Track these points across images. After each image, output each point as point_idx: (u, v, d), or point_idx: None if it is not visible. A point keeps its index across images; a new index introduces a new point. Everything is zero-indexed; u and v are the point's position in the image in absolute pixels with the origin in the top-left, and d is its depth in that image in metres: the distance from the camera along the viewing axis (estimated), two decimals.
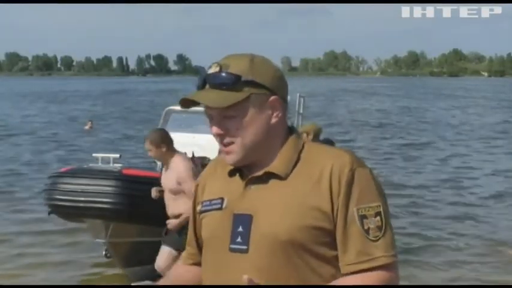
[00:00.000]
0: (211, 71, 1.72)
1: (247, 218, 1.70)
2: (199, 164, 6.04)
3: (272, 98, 1.72)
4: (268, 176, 1.72)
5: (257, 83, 1.70)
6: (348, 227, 1.67)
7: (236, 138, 1.71)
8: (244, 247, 1.69)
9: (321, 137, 7.79)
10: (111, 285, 7.40)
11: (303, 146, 1.77)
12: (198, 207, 1.85)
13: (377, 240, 1.67)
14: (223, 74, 1.69)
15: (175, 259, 5.68)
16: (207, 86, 1.72)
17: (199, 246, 1.90)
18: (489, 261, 8.08)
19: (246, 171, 1.76)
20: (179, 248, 5.55)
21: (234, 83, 1.68)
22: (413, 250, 8.48)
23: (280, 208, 1.68)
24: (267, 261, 1.67)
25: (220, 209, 1.76)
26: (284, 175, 1.71)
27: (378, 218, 1.68)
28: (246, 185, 1.74)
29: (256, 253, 1.68)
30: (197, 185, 1.92)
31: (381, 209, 1.69)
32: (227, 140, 1.72)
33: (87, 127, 24.95)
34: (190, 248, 1.95)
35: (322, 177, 1.68)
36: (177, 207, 5.61)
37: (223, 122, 1.71)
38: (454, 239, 9.13)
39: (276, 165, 1.73)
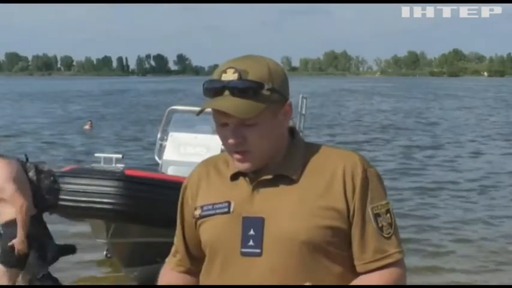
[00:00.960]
0: (228, 77, 1.64)
1: (259, 221, 1.67)
2: (32, 169, 5.79)
3: (287, 104, 1.70)
4: (278, 179, 1.70)
5: (276, 90, 1.66)
6: (365, 225, 1.68)
7: (253, 146, 1.67)
8: (258, 250, 1.66)
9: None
10: (111, 285, 7.41)
11: (308, 147, 1.76)
12: (197, 212, 1.77)
13: (390, 237, 1.70)
14: (246, 82, 1.63)
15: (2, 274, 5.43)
16: (226, 93, 1.64)
17: (189, 253, 1.86)
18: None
19: (252, 174, 1.72)
20: (3, 261, 5.39)
21: (257, 91, 1.63)
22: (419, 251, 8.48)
23: (293, 210, 1.66)
24: (281, 264, 1.65)
25: (227, 212, 1.71)
26: (295, 177, 1.70)
27: (388, 215, 1.72)
28: (254, 188, 1.70)
29: (270, 256, 1.66)
30: (185, 188, 1.84)
31: (389, 206, 1.73)
32: (243, 148, 1.68)
33: (86, 127, 24.91)
34: (179, 255, 1.88)
35: (335, 178, 1.68)
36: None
37: (241, 130, 1.66)
38: (462, 240, 9.16)
39: (285, 168, 1.71)
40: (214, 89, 1.65)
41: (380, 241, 1.69)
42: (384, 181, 1.76)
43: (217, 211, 1.72)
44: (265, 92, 1.64)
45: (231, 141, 1.67)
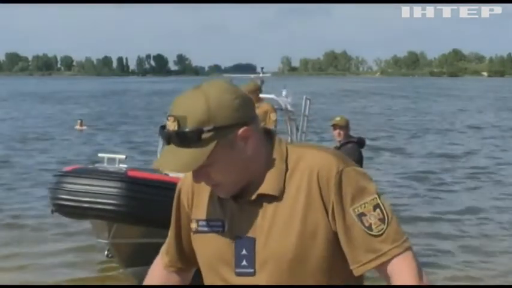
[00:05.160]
0: (170, 127, 1.63)
1: (250, 241, 1.68)
2: None
3: (240, 131, 1.64)
4: (262, 198, 1.68)
5: (220, 127, 1.61)
6: (349, 229, 1.64)
7: (219, 180, 1.67)
8: (251, 270, 1.68)
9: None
10: (112, 285, 7.42)
11: (287, 152, 1.71)
12: (193, 225, 1.79)
13: (382, 233, 1.63)
14: (183, 134, 1.61)
15: None
16: (171, 145, 1.64)
17: (181, 254, 1.88)
18: None
19: (238, 193, 1.71)
20: None
21: (197, 138, 1.60)
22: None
23: (280, 228, 1.66)
24: (275, 282, 1.67)
25: (221, 232, 1.72)
26: (278, 193, 1.67)
27: (378, 210, 1.64)
28: (242, 207, 1.70)
29: (263, 275, 1.67)
30: (179, 192, 1.85)
31: (379, 201, 1.65)
32: (212, 183, 1.69)
33: (77, 127, 24.85)
34: (170, 255, 1.90)
35: (311, 186, 1.65)
36: None
37: (201, 173, 1.66)
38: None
39: (267, 186, 1.68)
40: (163, 140, 1.67)
41: (370, 241, 1.63)
42: (367, 175, 1.69)
43: (213, 229, 1.74)
44: (206, 135, 1.60)
45: (195, 181, 1.69)
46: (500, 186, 13.59)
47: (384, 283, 1.69)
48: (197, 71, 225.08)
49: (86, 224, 7.37)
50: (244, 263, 1.68)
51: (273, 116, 7.82)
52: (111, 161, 6.85)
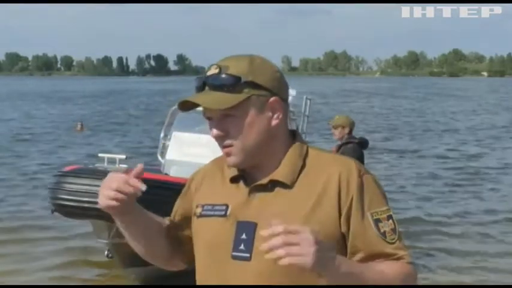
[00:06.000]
0: (210, 72, 1.69)
1: (251, 226, 1.68)
2: None
3: (272, 99, 1.69)
4: (274, 184, 1.70)
5: (257, 84, 1.68)
6: (365, 231, 1.67)
7: (236, 140, 1.69)
8: (247, 255, 1.67)
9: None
10: (111, 285, 7.42)
11: (307, 151, 1.75)
12: (198, 210, 1.80)
13: (394, 242, 1.68)
14: (223, 76, 1.67)
15: None
16: (207, 88, 1.69)
17: (171, 229, 1.89)
18: None
19: (250, 177, 1.73)
20: None
21: (234, 84, 1.66)
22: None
23: (284, 217, 1.63)
24: (270, 270, 1.64)
25: (224, 215, 1.73)
26: (290, 183, 1.69)
27: (391, 221, 1.70)
28: (251, 192, 1.72)
29: (259, 261, 1.65)
30: (192, 180, 1.89)
31: (391, 213, 1.71)
32: (227, 142, 1.70)
33: (78, 128, 24.90)
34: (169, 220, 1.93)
35: (330, 185, 1.68)
36: None
37: (223, 123, 1.69)
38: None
39: (281, 173, 1.71)
40: (197, 85, 1.72)
41: (384, 246, 1.67)
42: (383, 188, 1.74)
43: (216, 213, 1.75)
44: (242, 86, 1.66)
45: (214, 134, 1.71)
46: (500, 188, 13.60)
47: None
48: (197, 71, 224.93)
49: (86, 224, 7.34)
50: (241, 247, 1.68)
51: None
52: (111, 161, 6.85)
